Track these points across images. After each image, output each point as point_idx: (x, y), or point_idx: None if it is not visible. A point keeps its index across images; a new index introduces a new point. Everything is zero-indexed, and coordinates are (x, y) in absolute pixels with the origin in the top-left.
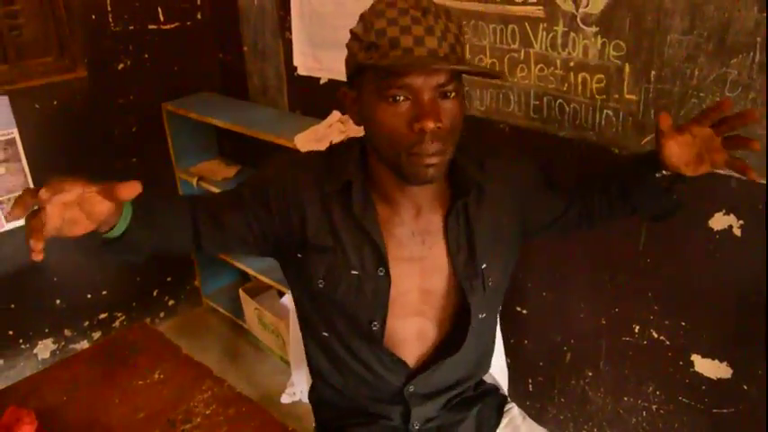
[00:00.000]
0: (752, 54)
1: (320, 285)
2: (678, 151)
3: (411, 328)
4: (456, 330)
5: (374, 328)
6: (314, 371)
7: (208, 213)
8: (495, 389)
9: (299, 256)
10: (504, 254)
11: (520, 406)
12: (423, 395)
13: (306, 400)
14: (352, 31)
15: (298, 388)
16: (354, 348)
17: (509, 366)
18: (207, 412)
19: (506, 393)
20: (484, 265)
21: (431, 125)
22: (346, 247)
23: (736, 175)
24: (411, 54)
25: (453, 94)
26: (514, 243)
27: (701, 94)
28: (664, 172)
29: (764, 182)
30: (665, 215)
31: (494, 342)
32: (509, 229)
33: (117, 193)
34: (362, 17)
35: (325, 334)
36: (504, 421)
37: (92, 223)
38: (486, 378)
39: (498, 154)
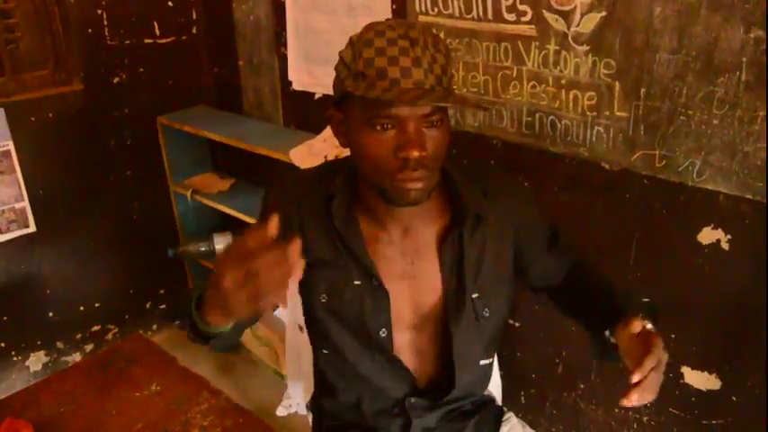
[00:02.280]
0: (738, 73)
1: (323, 300)
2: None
3: (406, 341)
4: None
5: (383, 335)
6: (317, 382)
7: None
8: (491, 400)
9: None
10: (501, 283)
11: None
12: (423, 407)
13: (302, 412)
14: (340, 55)
15: (294, 400)
16: (358, 363)
17: (502, 379)
18: (204, 423)
19: (501, 405)
20: (475, 295)
21: (415, 154)
22: (346, 259)
23: (724, 190)
24: (398, 85)
25: (439, 123)
26: (511, 275)
27: (690, 112)
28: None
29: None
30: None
31: (491, 368)
32: (506, 259)
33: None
34: (351, 43)
35: (325, 351)
36: (504, 430)
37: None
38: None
39: (504, 182)
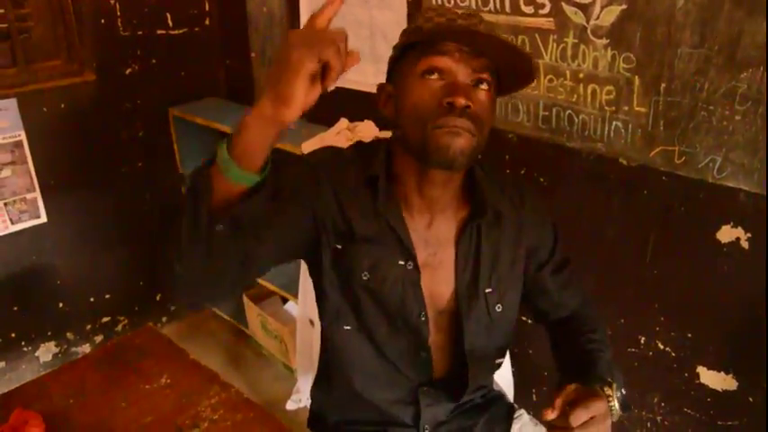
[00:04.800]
0: (762, 68)
1: (364, 278)
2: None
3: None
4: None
5: (422, 319)
6: (327, 372)
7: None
8: (501, 396)
9: (339, 247)
10: (515, 283)
11: None
12: (435, 397)
13: None
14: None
15: (303, 394)
16: (385, 345)
17: (514, 376)
18: (214, 417)
19: (512, 402)
20: (488, 290)
21: (462, 101)
22: (390, 238)
23: (745, 187)
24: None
25: (486, 85)
26: (521, 276)
27: (711, 108)
28: None
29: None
30: None
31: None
32: (520, 265)
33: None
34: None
35: (348, 328)
36: (516, 428)
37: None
38: (494, 386)
39: (523, 187)
